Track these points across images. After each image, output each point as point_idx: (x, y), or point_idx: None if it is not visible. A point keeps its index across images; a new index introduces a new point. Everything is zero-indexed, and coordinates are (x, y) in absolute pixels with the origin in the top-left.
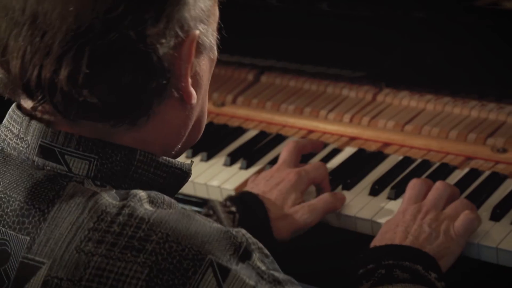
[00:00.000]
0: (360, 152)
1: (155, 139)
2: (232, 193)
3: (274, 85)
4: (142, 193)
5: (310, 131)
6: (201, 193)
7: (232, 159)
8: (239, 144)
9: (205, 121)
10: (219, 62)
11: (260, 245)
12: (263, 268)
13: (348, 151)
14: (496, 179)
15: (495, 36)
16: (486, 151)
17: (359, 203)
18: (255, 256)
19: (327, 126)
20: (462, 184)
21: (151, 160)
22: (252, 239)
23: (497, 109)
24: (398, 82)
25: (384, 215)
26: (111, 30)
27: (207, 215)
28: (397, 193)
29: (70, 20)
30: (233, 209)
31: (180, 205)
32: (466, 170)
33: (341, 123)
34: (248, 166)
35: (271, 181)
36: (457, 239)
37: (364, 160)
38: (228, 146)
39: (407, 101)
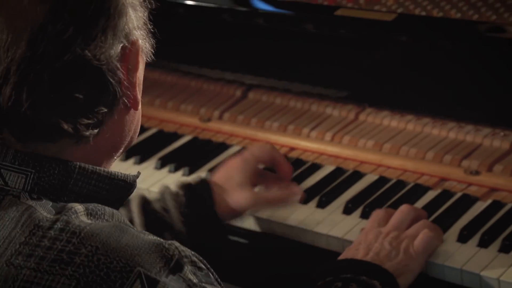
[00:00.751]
0: (337, 171)
1: (104, 146)
2: None
3: (261, 101)
4: (78, 206)
5: (292, 148)
6: None
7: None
8: (221, 159)
9: (139, 122)
10: (208, 78)
11: (194, 259)
12: (195, 280)
13: (326, 169)
14: (466, 201)
15: (475, 60)
16: (459, 173)
17: (331, 221)
18: (187, 268)
19: (308, 144)
20: (433, 205)
21: (91, 173)
22: (185, 252)
23: (474, 131)
24: (380, 102)
25: (356, 234)
26: (65, 51)
27: (157, 200)
28: (369, 212)
29: (23, 48)
30: (180, 192)
31: None
32: (439, 191)
33: (322, 141)
34: None
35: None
36: (417, 257)
37: (340, 179)
38: (210, 161)
39: (388, 121)
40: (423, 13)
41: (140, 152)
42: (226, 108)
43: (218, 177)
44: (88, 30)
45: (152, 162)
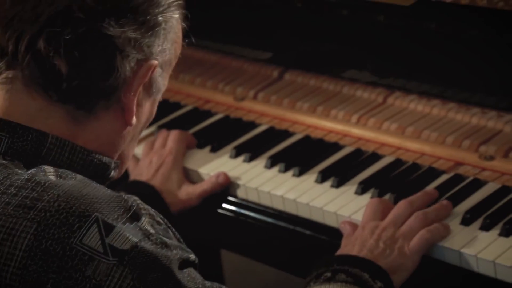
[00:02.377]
0: (356, 152)
1: (86, 141)
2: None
3: (296, 83)
4: (49, 168)
5: (318, 129)
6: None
7: (237, 152)
8: (247, 138)
9: (127, 162)
10: (249, 59)
11: (152, 212)
12: (152, 231)
13: (346, 150)
14: (475, 186)
15: (500, 47)
16: (475, 157)
17: (344, 200)
18: (144, 219)
19: (334, 125)
20: (443, 188)
21: (64, 145)
22: (143, 205)
23: (496, 117)
24: (409, 86)
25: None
26: (94, 19)
27: None
28: (380, 194)
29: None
30: None
31: None
32: (452, 174)
33: (348, 122)
34: (251, 159)
35: (151, 168)
36: (411, 256)
37: (357, 160)
38: (238, 139)
39: (415, 105)
40: None
41: (173, 128)
42: (261, 88)
43: (159, 183)
44: (128, 20)
45: None
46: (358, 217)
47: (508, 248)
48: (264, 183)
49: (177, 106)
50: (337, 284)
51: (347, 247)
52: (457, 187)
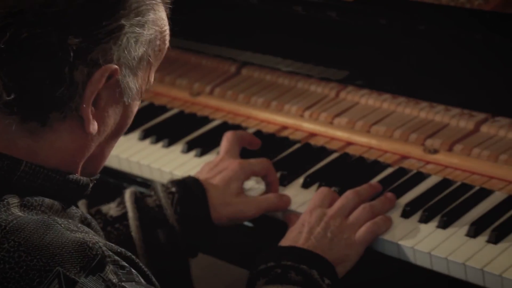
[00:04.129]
0: (305, 147)
1: (48, 156)
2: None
3: (252, 78)
4: (13, 199)
5: (270, 123)
6: (156, 177)
7: (189, 147)
8: (199, 133)
9: (102, 162)
10: (206, 54)
11: (116, 258)
12: (114, 280)
13: (295, 146)
14: (417, 178)
15: (451, 44)
16: (419, 151)
17: (289, 194)
18: (108, 268)
19: (286, 120)
20: (387, 181)
21: (38, 172)
22: (108, 252)
23: (444, 111)
24: (360, 81)
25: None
26: (39, 24)
27: (148, 195)
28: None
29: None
30: (173, 189)
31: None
32: (396, 168)
33: (301, 117)
34: (202, 154)
35: (215, 169)
36: (357, 247)
37: (307, 155)
38: (191, 134)
39: (366, 99)
40: None
41: None
42: (218, 83)
43: (216, 182)
44: (72, 21)
45: (136, 134)
46: (303, 210)
47: (445, 240)
48: None
49: None
50: (289, 287)
51: (293, 234)
52: (400, 180)
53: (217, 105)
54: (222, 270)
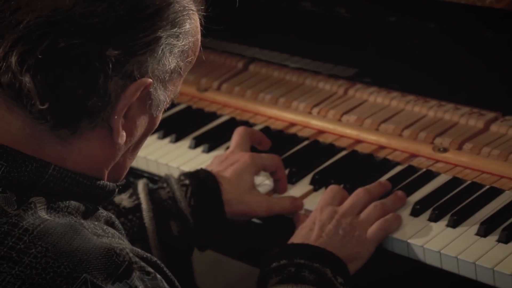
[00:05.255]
0: (314, 144)
1: (76, 162)
2: None
3: (260, 74)
4: (41, 200)
5: (278, 120)
6: (163, 172)
7: (197, 142)
8: (207, 129)
9: (125, 171)
10: (213, 49)
11: (142, 264)
12: (141, 287)
13: (304, 142)
14: (427, 177)
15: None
16: (429, 149)
17: (297, 193)
18: (135, 275)
19: (294, 117)
20: (396, 179)
21: (65, 176)
22: (134, 258)
23: (453, 110)
24: (369, 78)
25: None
26: (77, 34)
27: (161, 187)
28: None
29: (48, 7)
30: (187, 182)
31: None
32: (405, 166)
33: (309, 114)
34: (209, 150)
35: (226, 162)
36: (368, 245)
37: (315, 152)
38: (197, 130)
39: (374, 97)
40: None
41: None
42: (225, 79)
43: (228, 175)
44: (111, 33)
45: None
46: (311, 208)
47: (455, 239)
48: None
49: None
50: (304, 287)
51: (304, 231)
52: (410, 179)
53: (224, 101)
54: (224, 267)
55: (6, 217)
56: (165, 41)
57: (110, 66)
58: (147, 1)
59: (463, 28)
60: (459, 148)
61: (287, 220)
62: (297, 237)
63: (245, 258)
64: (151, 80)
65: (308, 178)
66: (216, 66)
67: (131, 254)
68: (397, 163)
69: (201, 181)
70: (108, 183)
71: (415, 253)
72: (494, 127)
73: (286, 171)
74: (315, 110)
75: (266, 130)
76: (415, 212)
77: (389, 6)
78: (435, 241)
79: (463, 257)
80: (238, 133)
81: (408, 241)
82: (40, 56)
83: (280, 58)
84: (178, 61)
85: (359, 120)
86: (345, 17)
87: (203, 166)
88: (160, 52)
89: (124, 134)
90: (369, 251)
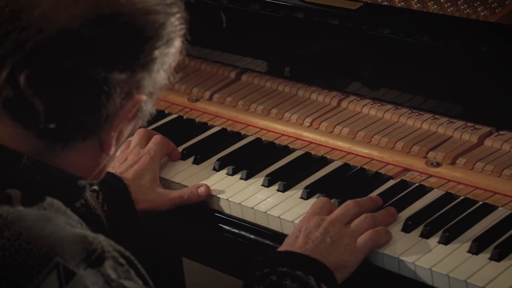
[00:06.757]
0: (305, 156)
1: (62, 167)
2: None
3: (252, 84)
4: (15, 192)
5: (270, 131)
6: None
7: (187, 153)
8: (198, 139)
9: (104, 173)
10: (205, 58)
11: (116, 254)
12: (113, 276)
13: (295, 154)
14: (419, 192)
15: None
16: (421, 164)
17: (289, 205)
18: (108, 263)
19: (286, 128)
20: (388, 194)
21: (38, 167)
22: (108, 247)
23: (447, 123)
24: (362, 90)
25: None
26: (83, 56)
27: None
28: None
29: (54, 27)
30: (95, 187)
31: None
32: (398, 180)
33: (300, 126)
34: (200, 161)
35: (126, 163)
36: (356, 254)
37: (305, 164)
38: (190, 140)
39: (368, 109)
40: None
41: None
42: (217, 89)
43: (131, 177)
44: (116, 55)
45: None
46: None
47: (446, 256)
48: (212, 186)
49: None
50: None
51: (290, 239)
52: (402, 193)
53: (216, 111)
54: (216, 278)
55: None
56: (160, 59)
57: (115, 88)
58: (146, 24)
59: (458, 41)
60: (453, 162)
61: (278, 234)
62: (283, 246)
63: (234, 272)
64: (145, 96)
65: (299, 191)
66: (208, 76)
67: (104, 243)
68: (390, 177)
69: (110, 185)
70: (79, 180)
71: (406, 269)
72: (488, 142)
73: (277, 184)
74: (307, 122)
75: (258, 141)
76: (407, 228)
77: (383, 17)
78: (427, 258)
79: (454, 275)
80: (137, 134)
81: (399, 257)
82: (50, 79)
83: (272, 69)
84: (166, 75)
85: (352, 132)
86: (338, 28)
87: (193, 177)
88: (155, 69)
89: (114, 145)
90: (357, 260)
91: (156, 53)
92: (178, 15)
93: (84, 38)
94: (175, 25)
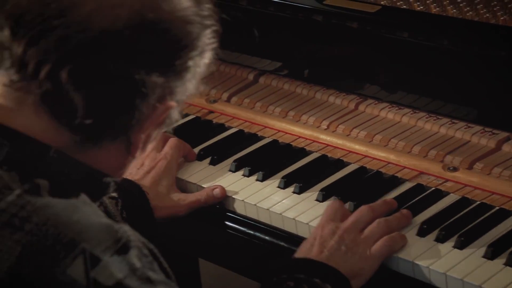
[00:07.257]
0: (322, 159)
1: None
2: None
3: (270, 87)
4: (44, 182)
5: (287, 133)
6: None
7: (204, 154)
8: (214, 141)
9: (125, 171)
10: (224, 60)
11: (140, 244)
12: (138, 265)
13: (312, 156)
14: (435, 196)
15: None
16: (438, 168)
17: (304, 207)
18: (133, 252)
19: (303, 131)
20: (404, 197)
21: (65, 161)
22: (133, 237)
23: (464, 128)
24: (380, 94)
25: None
26: (124, 58)
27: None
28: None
29: (97, 27)
30: (115, 194)
31: None
32: (414, 184)
33: (318, 128)
34: (216, 162)
35: (142, 169)
36: (371, 262)
37: (322, 167)
38: (205, 142)
39: (385, 113)
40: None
41: None
42: (235, 91)
43: (148, 184)
44: (158, 62)
45: None
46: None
47: (461, 261)
48: (228, 187)
49: None
50: None
51: (305, 247)
52: (418, 197)
53: (233, 113)
54: (232, 281)
55: (9, 190)
56: (193, 69)
57: (152, 90)
58: (184, 33)
59: (477, 46)
60: (470, 167)
61: (296, 237)
62: (299, 253)
63: (249, 273)
64: (175, 104)
65: (314, 194)
66: (227, 77)
67: (130, 233)
68: (406, 181)
69: (128, 192)
70: (105, 177)
71: (421, 273)
72: (506, 147)
73: (293, 186)
74: (324, 125)
75: (274, 143)
76: (422, 232)
77: (402, 21)
78: (441, 262)
79: (469, 280)
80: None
81: (414, 261)
82: (92, 76)
83: (290, 71)
84: (196, 85)
85: (369, 136)
86: (357, 31)
87: (209, 178)
88: (187, 78)
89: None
90: (373, 267)
91: (191, 62)
92: (212, 28)
93: (126, 40)
94: (208, 38)
